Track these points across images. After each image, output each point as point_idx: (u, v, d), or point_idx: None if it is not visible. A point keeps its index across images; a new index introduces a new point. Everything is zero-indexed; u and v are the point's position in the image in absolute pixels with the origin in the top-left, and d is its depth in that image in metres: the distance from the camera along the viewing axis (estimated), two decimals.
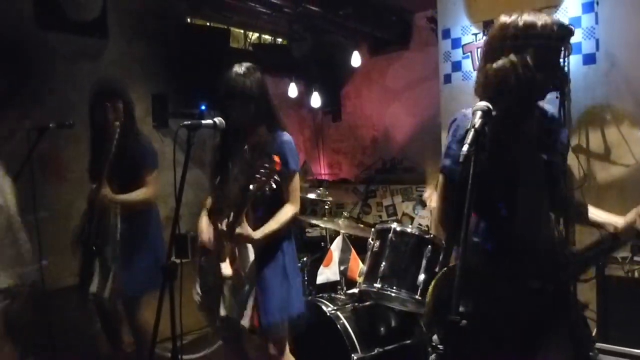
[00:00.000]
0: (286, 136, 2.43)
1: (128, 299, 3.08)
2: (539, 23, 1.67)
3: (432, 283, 1.81)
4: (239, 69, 2.37)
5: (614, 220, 1.85)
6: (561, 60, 1.69)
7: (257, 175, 2.06)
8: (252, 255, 2.34)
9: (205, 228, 2.47)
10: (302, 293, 2.50)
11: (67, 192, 3.91)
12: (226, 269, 2.33)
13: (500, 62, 1.67)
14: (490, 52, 1.73)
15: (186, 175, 2.00)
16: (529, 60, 1.64)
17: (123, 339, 3.25)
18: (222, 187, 2.42)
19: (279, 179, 2.13)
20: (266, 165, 2.06)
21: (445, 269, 1.80)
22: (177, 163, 2.02)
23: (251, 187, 2.09)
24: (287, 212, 2.40)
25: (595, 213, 1.92)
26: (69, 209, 3.90)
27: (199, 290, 2.49)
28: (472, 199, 1.39)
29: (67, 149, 3.90)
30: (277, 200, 2.40)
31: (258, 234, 2.30)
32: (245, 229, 2.23)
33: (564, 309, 1.72)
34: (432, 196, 4.95)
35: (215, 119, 2.18)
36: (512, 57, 1.65)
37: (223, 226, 2.31)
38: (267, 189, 2.11)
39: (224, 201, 2.36)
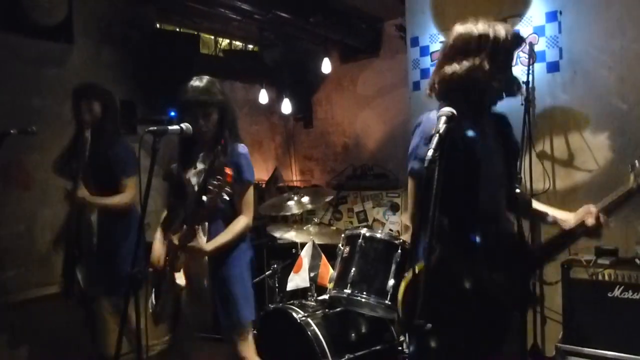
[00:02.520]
0: (242, 148, 2.46)
1: (112, 301, 3.03)
2: (491, 31, 1.76)
3: (401, 288, 1.81)
4: (198, 81, 2.40)
5: (565, 217, 1.93)
6: (515, 67, 1.77)
7: (210, 187, 2.08)
8: (206, 265, 2.37)
9: (157, 246, 2.48)
10: (253, 301, 2.54)
11: (30, 201, 3.80)
12: (180, 279, 2.36)
13: (456, 66, 1.74)
14: (446, 58, 1.81)
15: (152, 182, 1.96)
16: (483, 65, 1.70)
17: (108, 343, 3.15)
18: (176, 199, 2.44)
19: (231, 191, 2.14)
20: (219, 177, 2.08)
21: (412, 273, 1.81)
22: (143, 169, 1.98)
23: (204, 198, 2.10)
24: (241, 223, 2.44)
25: (545, 209, 2.01)
26: (33, 218, 3.80)
27: (153, 300, 2.47)
28: (437, 203, 1.40)
29: (31, 157, 3.79)
30: (232, 211, 2.43)
31: (210, 246, 2.32)
32: (197, 241, 2.26)
33: (522, 303, 1.78)
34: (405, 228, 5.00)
35: (182, 125, 2.16)
36: (467, 62, 1.72)
37: (175, 239, 2.32)
38: (220, 201, 2.13)
39: (178, 213, 2.36)
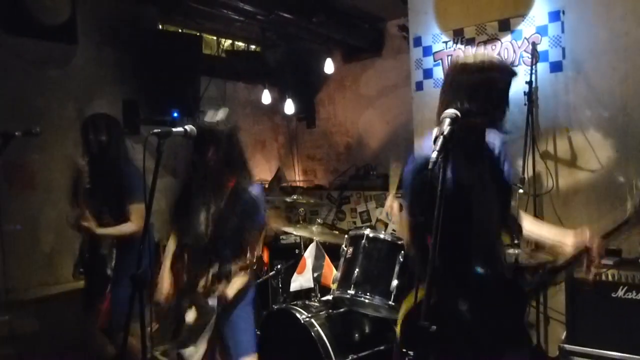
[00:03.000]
0: (256, 189, 2.53)
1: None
2: (487, 64, 1.81)
3: (401, 314, 1.84)
4: (213, 115, 2.46)
5: (563, 240, 1.97)
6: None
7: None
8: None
9: (166, 279, 2.53)
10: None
11: (34, 202, 3.81)
12: (189, 316, 2.43)
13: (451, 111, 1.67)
14: (447, 91, 1.89)
15: (157, 183, 1.97)
16: (475, 105, 1.75)
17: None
18: (187, 231, 2.49)
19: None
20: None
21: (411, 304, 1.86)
22: (147, 170, 1.99)
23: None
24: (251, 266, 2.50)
25: (539, 232, 2.05)
26: (36, 219, 3.81)
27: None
28: (442, 205, 1.40)
29: (34, 158, 3.81)
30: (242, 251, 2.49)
31: (232, 293, 2.42)
32: (220, 289, 2.38)
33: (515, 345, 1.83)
34: (393, 205, 4.96)
35: (187, 127, 2.16)
36: (455, 109, 1.67)
37: (199, 287, 2.41)
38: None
39: (197, 258, 2.44)
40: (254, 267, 2.44)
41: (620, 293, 3.01)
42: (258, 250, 2.52)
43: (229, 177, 2.45)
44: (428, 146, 1.70)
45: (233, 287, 2.43)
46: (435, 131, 1.51)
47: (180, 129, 2.14)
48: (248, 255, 2.39)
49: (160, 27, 4.79)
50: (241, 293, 2.49)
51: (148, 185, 1.94)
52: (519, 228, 2.05)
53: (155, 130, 2.02)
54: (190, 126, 2.17)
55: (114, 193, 2.89)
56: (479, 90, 1.80)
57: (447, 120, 1.51)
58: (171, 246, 2.62)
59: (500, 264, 1.88)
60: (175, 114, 4.43)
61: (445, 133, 1.47)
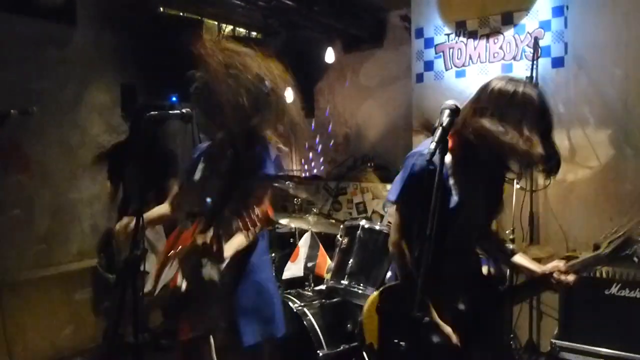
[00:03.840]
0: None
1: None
2: (523, 95, 1.70)
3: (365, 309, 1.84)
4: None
5: (533, 267, 1.99)
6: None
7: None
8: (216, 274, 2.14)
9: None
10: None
11: (30, 185, 3.79)
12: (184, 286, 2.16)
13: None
14: (478, 109, 1.74)
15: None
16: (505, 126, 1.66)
17: None
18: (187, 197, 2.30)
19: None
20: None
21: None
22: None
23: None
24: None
25: (519, 259, 2.06)
26: (31, 201, 3.79)
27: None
28: (439, 196, 1.39)
29: (30, 139, 3.78)
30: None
31: (227, 252, 2.10)
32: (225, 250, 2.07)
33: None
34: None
35: (183, 110, 2.13)
36: (490, 122, 1.67)
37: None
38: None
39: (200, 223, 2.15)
40: (258, 226, 2.09)
41: (613, 290, 3.02)
42: (264, 208, 2.18)
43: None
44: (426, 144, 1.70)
45: (231, 245, 2.12)
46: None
47: (176, 111, 2.11)
48: (252, 213, 2.07)
49: (160, 9, 4.74)
50: (240, 255, 2.16)
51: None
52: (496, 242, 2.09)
53: (152, 113, 1.99)
54: (187, 109, 2.14)
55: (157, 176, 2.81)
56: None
57: (447, 112, 1.50)
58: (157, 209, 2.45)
59: (477, 259, 1.95)
60: (174, 99, 4.39)
61: (444, 124, 1.46)
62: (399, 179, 1.89)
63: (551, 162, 1.77)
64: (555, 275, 1.89)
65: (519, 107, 1.67)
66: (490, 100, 1.71)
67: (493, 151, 1.66)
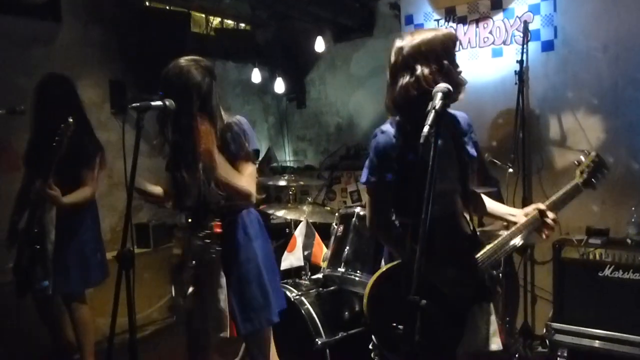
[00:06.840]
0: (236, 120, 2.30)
1: (68, 295, 3.04)
2: (428, 38, 1.79)
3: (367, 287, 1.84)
4: (181, 61, 2.33)
5: (515, 213, 2.02)
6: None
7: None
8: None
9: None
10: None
11: (17, 182, 3.74)
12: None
13: (406, 79, 1.77)
14: (394, 74, 1.84)
15: (138, 160, 1.91)
16: (428, 72, 1.74)
17: (67, 336, 3.15)
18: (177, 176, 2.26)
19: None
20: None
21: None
22: (129, 146, 1.94)
23: None
24: None
25: (497, 206, 2.11)
26: None
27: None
28: (433, 181, 1.39)
29: (18, 137, 3.73)
30: None
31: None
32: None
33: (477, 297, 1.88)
34: None
35: (166, 101, 2.11)
36: (410, 74, 1.77)
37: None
38: None
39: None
40: (249, 200, 2.26)
41: (607, 272, 3.05)
42: (250, 183, 2.24)
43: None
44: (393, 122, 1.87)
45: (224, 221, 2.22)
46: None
47: (159, 102, 2.09)
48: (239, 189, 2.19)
49: (147, 4, 4.69)
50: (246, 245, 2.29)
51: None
52: (480, 202, 2.09)
53: (134, 104, 1.99)
54: (170, 100, 2.13)
55: (71, 160, 2.81)
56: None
57: (439, 95, 1.50)
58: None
59: (466, 224, 1.95)
60: (162, 92, 4.35)
61: (437, 107, 1.46)
62: (367, 162, 1.94)
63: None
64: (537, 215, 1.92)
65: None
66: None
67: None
